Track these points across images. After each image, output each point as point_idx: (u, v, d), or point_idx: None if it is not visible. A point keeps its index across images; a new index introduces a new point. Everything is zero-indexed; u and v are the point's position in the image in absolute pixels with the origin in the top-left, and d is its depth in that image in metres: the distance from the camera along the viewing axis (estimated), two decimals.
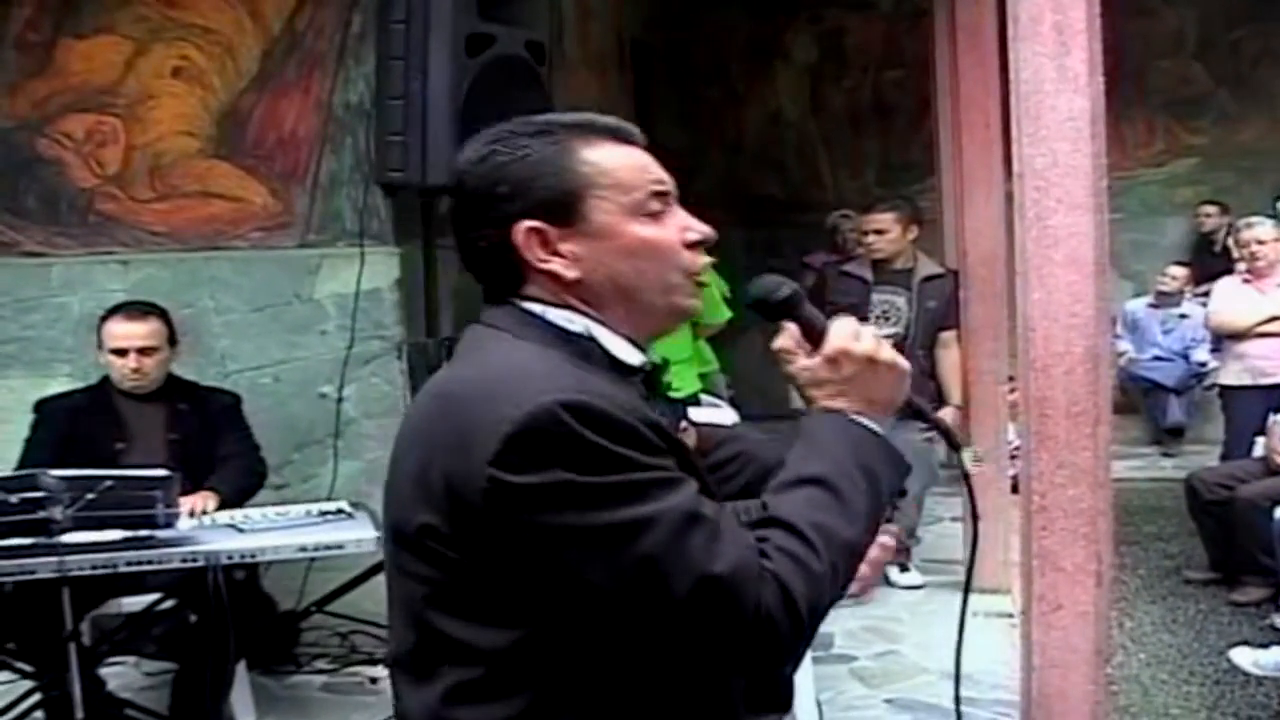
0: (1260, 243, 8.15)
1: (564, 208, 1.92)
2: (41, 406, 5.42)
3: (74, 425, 5.28)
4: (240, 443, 5.51)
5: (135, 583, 4.93)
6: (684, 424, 4.83)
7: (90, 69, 6.30)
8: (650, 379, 2.03)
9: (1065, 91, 3.29)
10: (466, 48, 4.90)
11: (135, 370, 5.29)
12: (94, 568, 4.41)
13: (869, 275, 7.09)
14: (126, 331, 5.31)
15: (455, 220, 2.00)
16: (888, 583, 7.26)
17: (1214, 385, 8.99)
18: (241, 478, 5.40)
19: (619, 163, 1.96)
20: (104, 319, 5.39)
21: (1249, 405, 8.21)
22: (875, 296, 7.05)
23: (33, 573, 4.36)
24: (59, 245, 6.39)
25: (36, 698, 4.94)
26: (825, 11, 11.58)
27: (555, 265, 1.93)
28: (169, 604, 5.04)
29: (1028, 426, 3.51)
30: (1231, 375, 8.38)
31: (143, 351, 5.30)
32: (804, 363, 2.01)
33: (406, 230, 6.05)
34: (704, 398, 6.73)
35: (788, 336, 2.03)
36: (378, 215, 6.01)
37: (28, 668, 4.96)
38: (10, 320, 6.41)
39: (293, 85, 6.16)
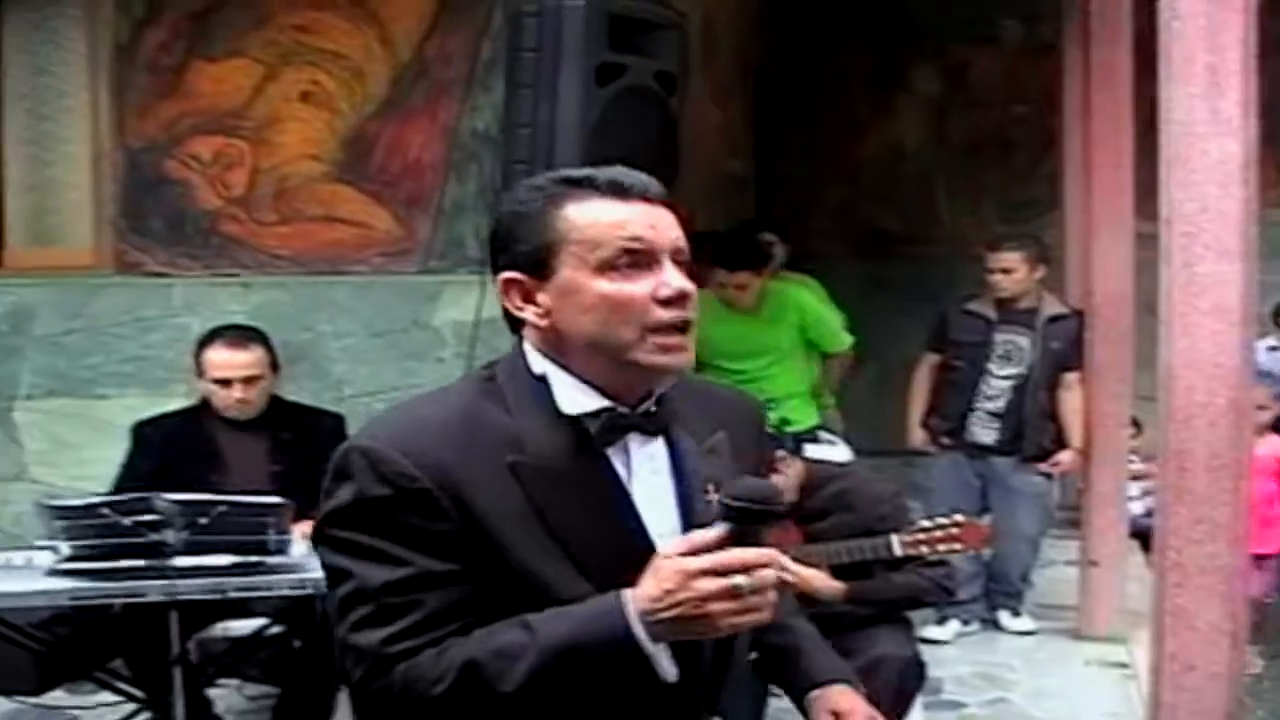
0: None
1: (538, 262, 2.08)
2: (138, 430, 5.27)
3: (169, 453, 5.13)
4: None
5: (242, 607, 4.89)
6: (785, 455, 4.81)
7: (220, 92, 6.37)
8: (600, 428, 2.07)
9: (1217, 134, 3.21)
10: (597, 77, 4.87)
11: (240, 400, 5.13)
12: (203, 592, 4.37)
13: (992, 314, 6.98)
14: (230, 361, 5.13)
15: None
16: (998, 627, 7.15)
17: None
18: None
19: (593, 219, 2.06)
20: (202, 346, 5.23)
21: None
22: (998, 336, 6.95)
23: (143, 595, 4.32)
24: (182, 266, 6.46)
25: (143, 718, 4.89)
26: (950, 44, 11.45)
27: (529, 314, 2.10)
28: (275, 630, 4.99)
29: (1165, 479, 3.42)
30: None
31: (247, 381, 5.13)
32: (671, 557, 1.93)
33: None
34: (821, 434, 6.67)
35: (701, 538, 1.93)
36: None
37: (134, 690, 4.91)
38: (131, 339, 6.49)
39: (420, 111, 6.19)
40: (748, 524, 1.93)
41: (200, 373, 5.21)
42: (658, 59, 5.13)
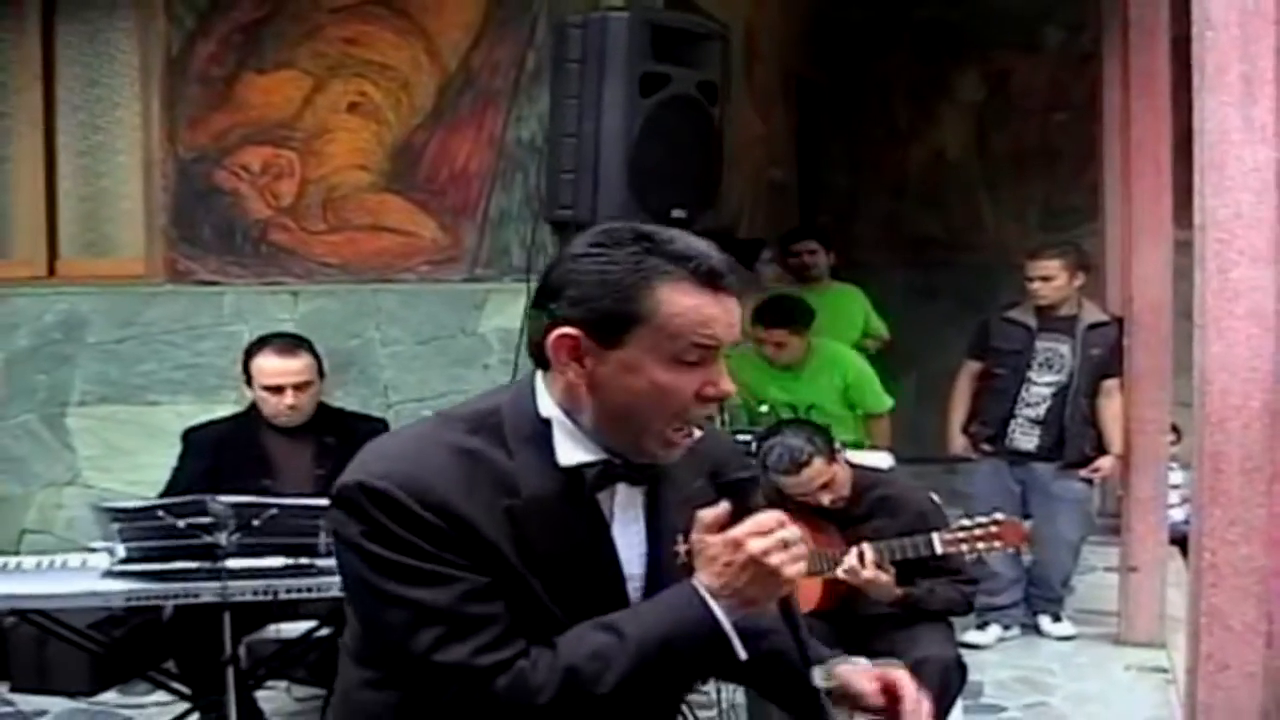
0: None
1: (609, 331, 2.03)
2: (189, 436, 5.32)
3: (219, 458, 5.18)
4: None
5: (292, 609, 4.95)
6: (841, 448, 4.88)
7: (269, 103, 6.46)
8: (595, 476, 2.11)
9: (1251, 142, 3.24)
10: (640, 87, 4.92)
11: (291, 407, 5.16)
12: (255, 594, 4.42)
13: (1033, 322, 7.00)
14: (281, 368, 5.17)
15: (535, 294, 2.15)
16: (1039, 632, 7.17)
17: None
18: None
19: (682, 311, 2.02)
20: (250, 354, 5.25)
21: None
22: (1039, 343, 6.97)
23: (196, 596, 4.38)
24: (232, 275, 6.56)
25: (194, 719, 4.95)
26: (992, 52, 11.41)
27: (570, 373, 2.06)
28: (324, 632, 5.02)
29: (1200, 481, 3.45)
30: None
31: (298, 388, 5.17)
32: (708, 538, 2.05)
33: None
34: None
35: (714, 514, 2.07)
36: (545, 251, 6.04)
37: (185, 689, 4.98)
38: (182, 347, 6.59)
39: (466, 121, 6.26)
40: (745, 494, 2.09)
41: (249, 380, 5.25)
42: (700, 69, 5.18)
